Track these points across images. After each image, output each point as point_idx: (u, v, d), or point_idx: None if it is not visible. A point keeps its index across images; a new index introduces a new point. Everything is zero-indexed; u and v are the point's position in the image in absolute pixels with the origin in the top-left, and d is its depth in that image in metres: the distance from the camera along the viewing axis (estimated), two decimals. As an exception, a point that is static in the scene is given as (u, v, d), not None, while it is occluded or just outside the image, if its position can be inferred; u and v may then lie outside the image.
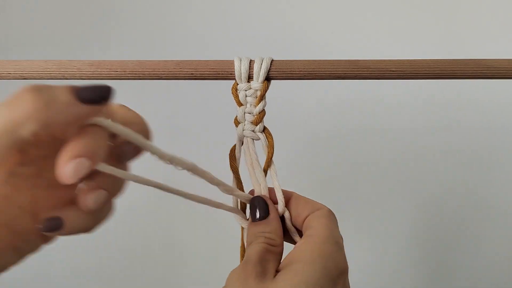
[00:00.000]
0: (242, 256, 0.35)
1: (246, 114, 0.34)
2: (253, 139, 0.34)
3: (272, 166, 0.35)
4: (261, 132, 0.34)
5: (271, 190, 0.34)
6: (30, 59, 0.35)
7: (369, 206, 0.74)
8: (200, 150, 0.69)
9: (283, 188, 0.33)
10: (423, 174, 0.72)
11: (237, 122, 0.34)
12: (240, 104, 0.34)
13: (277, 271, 0.28)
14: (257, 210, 0.32)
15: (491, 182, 0.71)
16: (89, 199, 0.24)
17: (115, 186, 0.27)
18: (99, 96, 0.25)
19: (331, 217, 0.31)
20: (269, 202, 0.33)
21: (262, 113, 0.34)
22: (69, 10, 0.79)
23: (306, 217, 0.32)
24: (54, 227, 0.24)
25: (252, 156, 0.34)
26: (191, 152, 0.67)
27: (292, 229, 0.33)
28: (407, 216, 0.73)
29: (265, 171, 0.35)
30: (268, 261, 0.29)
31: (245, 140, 0.34)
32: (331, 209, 0.32)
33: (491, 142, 0.70)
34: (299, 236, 0.33)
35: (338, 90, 0.72)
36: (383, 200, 0.73)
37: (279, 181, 0.34)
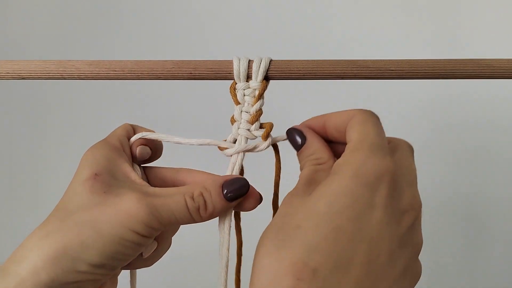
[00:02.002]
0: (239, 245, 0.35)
1: (242, 113, 0.34)
2: (247, 138, 0.34)
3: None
4: (257, 130, 0.34)
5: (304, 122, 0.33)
6: (29, 59, 0.35)
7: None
8: (199, 150, 0.69)
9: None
10: (422, 174, 0.72)
11: (233, 121, 0.34)
12: (237, 103, 0.34)
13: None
14: (295, 139, 0.32)
15: (491, 182, 0.71)
16: (144, 251, 0.32)
17: (168, 242, 0.34)
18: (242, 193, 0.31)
19: (364, 119, 0.29)
20: (302, 127, 0.32)
21: (259, 112, 0.34)
22: (68, 10, 0.79)
23: (346, 129, 0.30)
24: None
25: (235, 168, 0.33)
26: (190, 151, 0.67)
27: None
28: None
29: (276, 184, 0.35)
30: (316, 180, 0.28)
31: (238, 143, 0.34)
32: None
33: (490, 142, 0.70)
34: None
35: (337, 90, 0.72)
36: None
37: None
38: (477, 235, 0.72)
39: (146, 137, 0.34)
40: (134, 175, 0.31)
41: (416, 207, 0.27)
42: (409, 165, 0.28)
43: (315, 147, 0.31)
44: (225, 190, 0.30)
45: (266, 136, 0.33)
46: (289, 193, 0.28)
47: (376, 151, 0.26)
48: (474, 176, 0.71)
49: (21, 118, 0.82)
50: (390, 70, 0.33)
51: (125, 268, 0.33)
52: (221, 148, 0.34)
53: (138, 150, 0.33)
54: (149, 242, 0.29)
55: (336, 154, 0.31)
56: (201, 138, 0.34)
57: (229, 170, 0.33)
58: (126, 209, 0.28)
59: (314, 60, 0.33)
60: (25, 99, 0.81)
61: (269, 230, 0.26)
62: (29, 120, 0.81)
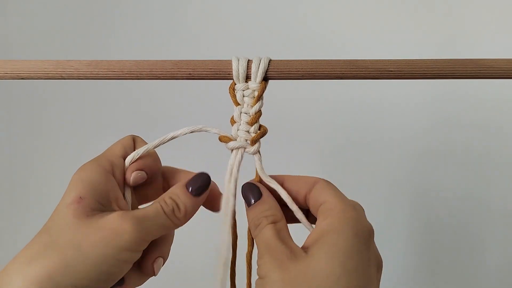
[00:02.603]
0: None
1: (242, 114, 0.34)
2: (246, 139, 0.34)
3: (257, 157, 0.34)
4: (255, 133, 0.34)
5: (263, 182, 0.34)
6: (28, 59, 0.35)
7: (366, 207, 0.74)
8: (198, 151, 0.69)
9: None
10: (421, 174, 0.72)
11: (233, 122, 0.34)
12: (237, 104, 0.34)
13: (303, 248, 0.29)
14: (249, 195, 0.32)
15: (490, 182, 0.71)
16: (155, 267, 0.33)
17: (167, 253, 0.34)
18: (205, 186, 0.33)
19: (333, 186, 0.32)
20: (258, 184, 0.33)
21: (258, 113, 0.34)
22: (67, 10, 0.79)
23: (306, 194, 0.32)
24: (117, 285, 0.30)
25: (233, 173, 0.33)
26: (189, 151, 0.67)
27: (294, 207, 0.32)
28: (405, 217, 0.73)
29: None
30: (286, 239, 0.29)
31: (235, 152, 0.34)
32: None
33: (490, 142, 0.70)
34: (303, 212, 0.33)
35: (337, 90, 0.72)
36: (380, 201, 0.73)
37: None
38: (477, 236, 0.72)
39: (139, 155, 0.33)
40: (123, 202, 0.31)
41: (382, 263, 0.30)
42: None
43: (271, 203, 0.32)
44: (190, 188, 0.32)
45: (255, 140, 0.34)
46: (268, 257, 0.28)
47: (360, 212, 0.30)
48: (473, 176, 0.71)
49: (20, 118, 0.82)
50: (389, 70, 0.33)
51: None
52: (223, 139, 0.34)
53: (132, 177, 0.33)
54: (137, 257, 0.30)
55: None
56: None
57: (228, 169, 0.33)
58: (110, 227, 0.28)
59: (313, 60, 0.33)
60: (24, 99, 0.81)
61: None
62: (28, 120, 0.81)
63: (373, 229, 0.29)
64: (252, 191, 0.32)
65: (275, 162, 0.72)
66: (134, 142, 0.35)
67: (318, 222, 0.30)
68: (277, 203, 0.32)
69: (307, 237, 0.29)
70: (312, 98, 0.73)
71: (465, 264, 0.73)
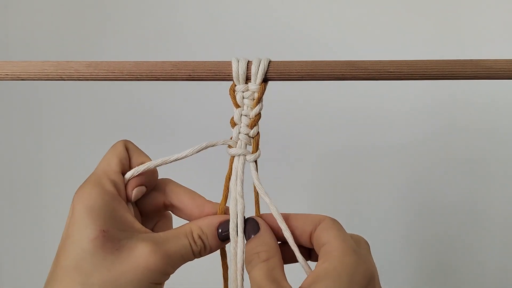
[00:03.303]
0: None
1: (242, 117, 0.34)
2: (246, 143, 0.34)
3: (260, 186, 0.34)
4: (253, 138, 0.34)
5: (266, 216, 0.34)
6: (27, 59, 0.35)
7: (366, 209, 0.74)
8: (199, 154, 0.69)
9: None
10: (421, 175, 0.72)
11: (233, 123, 0.34)
12: (237, 105, 0.34)
13: None
14: (249, 230, 0.33)
15: (490, 183, 0.71)
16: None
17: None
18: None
19: (338, 226, 0.31)
20: (259, 219, 0.33)
21: (258, 116, 0.34)
22: (67, 11, 0.79)
23: (311, 232, 0.32)
24: None
25: (238, 175, 0.33)
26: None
27: (295, 248, 0.32)
28: (405, 219, 0.73)
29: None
30: (278, 280, 0.29)
31: (236, 158, 0.34)
32: (328, 212, 0.32)
33: (489, 143, 0.70)
34: (305, 254, 0.33)
35: (336, 91, 0.72)
36: (379, 203, 0.73)
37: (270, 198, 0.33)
38: (477, 237, 0.72)
39: (141, 171, 0.33)
40: (137, 224, 0.31)
41: None
42: (374, 263, 0.31)
43: (266, 239, 0.32)
44: (220, 230, 0.32)
45: (256, 147, 0.34)
46: None
47: (361, 257, 0.29)
48: (473, 177, 0.71)
49: (20, 119, 0.82)
50: (388, 71, 0.33)
51: None
52: (229, 147, 0.34)
53: (134, 194, 0.33)
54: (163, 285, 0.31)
55: (285, 255, 0.32)
56: (198, 144, 0.34)
57: (233, 173, 0.34)
58: (144, 265, 0.28)
59: (313, 61, 0.33)
60: (24, 100, 0.81)
61: None
62: (27, 121, 0.81)
63: (374, 273, 0.29)
64: (251, 226, 0.33)
65: (274, 164, 0.72)
66: (128, 150, 0.34)
67: (317, 265, 0.29)
68: (274, 240, 0.32)
69: (304, 280, 0.29)
70: (312, 100, 0.73)
71: (466, 266, 0.73)
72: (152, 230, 0.36)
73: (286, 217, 0.33)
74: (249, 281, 0.30)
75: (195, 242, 0.31)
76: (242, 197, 0.33)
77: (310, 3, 0.73)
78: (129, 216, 0.31)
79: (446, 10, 0.70)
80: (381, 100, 0.72)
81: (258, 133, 0.34)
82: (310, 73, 0.33)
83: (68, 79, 0.34)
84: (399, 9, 0.71)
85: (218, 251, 0.35)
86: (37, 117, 0.81)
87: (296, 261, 0.33)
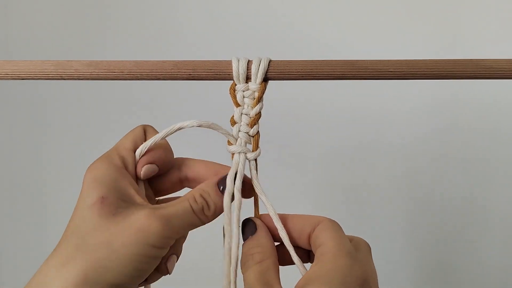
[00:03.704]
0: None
1: (243, 116, 0.34)
2: (246, 142, 0.34)
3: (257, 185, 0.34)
4: (253, 137, 0.34)
5: (265, 216, 0.34)
6: (28, 59, 0.35)
7: (366, 208, 0.74)
8: (197, 151, 0.69)
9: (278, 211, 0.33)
10: (421, 175, 0.72)
11: (233, 122, 0.34)
12: (237, 105, 0.34)
13: None
14: (245, 230, 0.33)
15: (490, 182, 0.71)
16: (169, 266, 0.33)
17: (180, 249, 0.35)
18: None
19: (335, 227, 0.31)
20: (257, 221, 0.33)
21: (258, 115, 0.34)
22: (67, 11, 0.79)
23: (310, 233, 0.32)
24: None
25: (239, 169, 0.33)
26: (187, 151, 0.67)
27: (290, 248, 0.32)
28: (405, 218, 0.73)
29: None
30: (270, 283, 0.29)
31: (236, 156, 0.34)
32: (328, 211, 0.32)
33: (489, 142, 0.70)
34: (305, 256, 0.33)
35: (337, 90, 0.72)
36: (380, 202, 0.73)
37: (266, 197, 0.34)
38: (477, 236, 0.72)
39: (147, 148, 0.33)
40: (138, 198, 0.31)
41: None
42: (373, 266, 0.30)
43: (262, 241, 0.32)
44: (221, 187, 0.32)
45: (256, 146, 0.34)
46: None
47: (355, 259, 0.28)
48: (472, 176, 0.71)
49: (20, 119, 0.82)
50: (389, 71, 0.33)
51: (142, 283, 0.34)
52: (229, 143, 0.34)
53: (143, 171, 0.33)
54: (164, 253, 0.30)
55: (285, 256, 0.32)
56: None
57: (233, 169, 0.33)
58: (138, 226, 0.28)
59: (313, 61, 0.33)
60: (25, 99, 0.81)
61: None
62: (28, 120, 0.81)
63: (368, 277, 0.28)
64: (249, 227, 0.33)
65: (274, 163, 0.72)
66: (145, 132, 0.34)
67: (311, 267, 0.29)
68: (270, 241, 0.32)
69: (297, 282, 0.29)
70: (312, 99, 0.73)
71: (466, 266, 0.73)
72: None
73: (285, 218, 0.33)
74: (243, 282, 0.30)
75: (195, 201, 0.31)
76: (240, 191, 0.33)
77: (310, 3, 0.73)
78: (131, 189, 0.31)
79: (446, 10, 0.70)
80: (382, 99, 0.72)
81: (258, 132, 0.34)
82: (310, 73, 0.33)
83: (68, 79, 0.34)
84: (400, 8, 0.71)
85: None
86: (38, 117, 0.81)
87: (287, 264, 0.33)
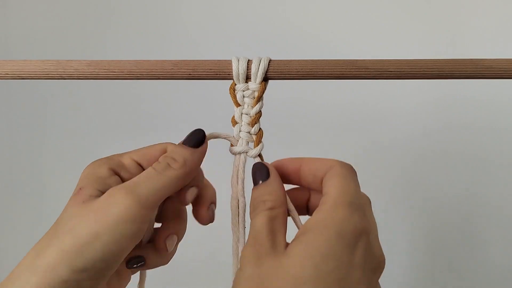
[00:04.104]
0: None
1: (243, 115, 0.34)
2: (248, 141, 0.34)
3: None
4: (255, 135, 0.34)
5: (277, 162, 0.33)
6: (28, 59, 0.35)
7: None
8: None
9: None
10: (421, 174, 0.72)
11: (234, 122, 0.34)
12: (237, 104, 0.34)
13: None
14: (257, 175, 0.31)
15: (490, 182, 0.71)
16: (168, 244, 0.33)
17: (182, 231, 0.34)
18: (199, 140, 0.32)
19: (344, 173, 0.29)
20: (268, 165, 0.32)
21: (259, 114, 0.34)
22: (67, 10, 0.79)
23: (322, 178, 0.31)
24: (138, 264, 0.32)
25: (239, 174, 0.34)
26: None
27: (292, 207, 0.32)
28: (406, 218, 0.73)
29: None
30: (276, 231, 0.28)
31: (237, 156, 0.34)
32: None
33: (489, 142, 0.70)
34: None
35: (336, 90, 0.72)
36: (381, 202, 0.73)
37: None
38: (476, 235, 0.72)
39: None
40: (113, 177, 0.31)
41: (382, 265, 0.28)
42: (374, 220, 0.29)
43: (273, 188, 0.30)
44: (184, 142, 0.32)
45: (258, 142, 0.34)
46: (249, 247, 0.27)
47: (355, 210, 0.27)
48: (472, 176, 0.71)
49: (20, 118, 0.82)
50: (389, 70, 0.33)
51: (144, 268, 0.34)
52: (232, 145, 0.35)
53: (188, 195, 0.33)
54: (141, 228, 0.28)
55: (301, 200, 0.32)
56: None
57: (234, 171, 0.34)
58: (101, 205, 0.28)
59: (313, 60, 0.33)
60: (25, 99, 0.81)
61: None
62: (28, 120, 0.81)
63: (367, 229, 0.27)
64: (260, 172, 0.31)
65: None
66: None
67: (312, 215, 0.28)
68: (282, 189, 0.31)
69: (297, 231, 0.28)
70: (311, 99, 0.73)
71: (467, 264, 0.73)
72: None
73: (300, 161, 0.32)
74: (250, 226, 0.29)
75: (158, 162, 0.30)
76: (243, 196, 0.33)
77: (310, 2, 0.73)
78: (110, 179, 0.31)
79: (446, 10, 0.70)
80: (381, 98, 0.72)
81: (260, 129, 0.34)
82: (310, 72, 0.33)
83: (68, 78, 0.34)
84: (399, 8, 0.71)
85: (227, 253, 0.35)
86: (38, 116, 0.81)
87: (305, 213, 0.32)
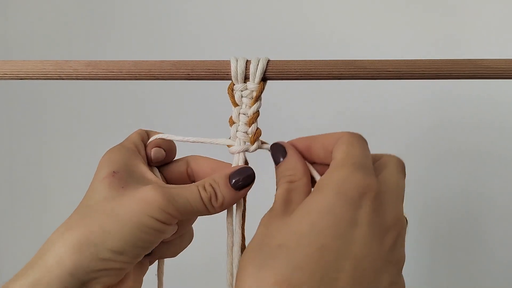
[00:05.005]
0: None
1: (240, 115, 0.34)
2: (245, 141, 0.34)
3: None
4: (253, 134, 0.34)
5: (292, 141, 0.34)
6: (27, 59, 0.35)
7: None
8: (197, 150, 0.69)
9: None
10: (420, 174, 0.72)
11: (231, 122, 0.34)
12: (235, 104, 0.34)
13: None
14: (276, 155, 0.33)
15: (489, 182, 0.71)
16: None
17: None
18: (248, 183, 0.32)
19: (351, 140, 0.30)
20: (286, 144, 0.33)
21: (256, 114, 0.34)
22: (66, 11, 0.79)
23: (332, 150, 0.31)
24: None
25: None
26: (188, 151, 0.67)
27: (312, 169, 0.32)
28: (408, 217, 0.73)
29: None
30: (292, 200, 0.29)
31: (236, 156, 0.34)
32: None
33: (488, 142, 0.70)
34: None
35: (335, 91, 0.72)
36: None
37: None
38: (475, 235, 0.72)
39: (160, 137, 0.35)
40: (150, 174, 0.33)
41: (399, 225, 0.27)
42: (397, 182, 0.28)
43: (293, 163, 0.31)
44: (232, 180, 0.32)
45: (254, 140, 0.34)
46: (266, 214, 0.29)
47: (359, 168, 0.27)
48: (471, 176, 0.71)
49: (19, 118, 0.82)
50: (387, 71, 0.33)
51: (151, 259, 0.35)
52: (229, 146, 0.35)
53: (152, 152, 0.35)
54: (169, 229, 0.31)
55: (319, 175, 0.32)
56: (205, 137, 0.35)
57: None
58: (143, 197, 0.29)
59: (312, 61, 0.33)
60: (24, 99, 0.81)
61: (249, 251, 0.26)
62: (27, 120, 0.81)
63: (372, 187, 0.26)
64: (278, 151, 0.33)
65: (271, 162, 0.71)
66: (147, 132, 0.37)
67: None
68: (302, 162, 0.32)
69: None
70: (310, 99, 0.73)
71: (468, 263, 0.73)
72: None
73: (310, 139, 0.33)
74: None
75: (204, 189, 0.31)
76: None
77: (309, 2, 0.73)
78: (143, 167, 0.33)
79: (446, 10, 0.70)
80: (381, 97, 0.72)
81: (258, 128, 0.34)
82: (308, 73, 0.33)
83: (67, 79, 0.34)
84: (398, 8, 0.71)
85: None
86: (37, 116, 0.81)
87: None
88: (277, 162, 0.32)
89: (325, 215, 0.25)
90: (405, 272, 0.29)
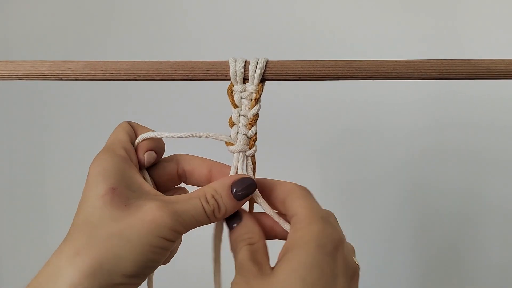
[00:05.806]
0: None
1: (241, 117, 0.34)
2: (245, 144, 0.34)
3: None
4: (252, 136, 0.34)
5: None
6: (25, 59, 0.35)
7: (367, 207, 0.74)
8: (197, 150, 0.69)
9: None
10: (419, 174, 0.72)
11: (231, 123, 0.34)
12: (235, 106, 0.34)
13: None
14: (231, 220, 0.33)
15: (488, 181, 0.71)
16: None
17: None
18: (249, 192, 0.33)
19: (304, 194, 0.32)
20: (239, 210, 0.34)
21: (256, 116, 0.34)
22: (65, 11, 0.79)
23: (283, 200, 0.33)
24: None
25: (238, 169, 0.34)
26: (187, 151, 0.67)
27: (281, 220, 0.33)
28: (402, 216, 0.73)
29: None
30: (259, 259, 0.30)
31: (236, 155, 0.34)
32: (329, 209, 0.33)
33: (487, 142, 0.70)
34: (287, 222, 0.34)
35: (334, 91, 0.72)
36: (380, 201, 0.74)
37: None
38: (476, 234, 0.73)
39: (150, 137, 0.34)
40: (147, 185, 0.32)
41: (357, 271, 0.30)
42: (341, 231, 0.31)
43: (249, 227, 0.33)
44: (234, 190, 0.32)
45: (253, 144, 0.35)
46: (238, 279, 0.29)
47: (327, 223, 0.30)
48: (470, 175, 0.72)
49: (18, 118, 0.81)
50: (385, 71, 0.33)
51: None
52: (227, 144, 0.35)
53: (146, 158, 0.34)
54: (175, 245, 0.31)
55: (267, 225, 0.34)
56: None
57: (233, 169, 0.34)
58: (152, 219, 0.28)
59: (311, 61, 0.33)
60: (22, 99, 0.81)
61: None
62: (25, 120, 0.81)
63: (342, 239, 0.29)
64: (232, 216, 0.33)
65: (272, 162, 0.72)
66: (132, 127, 0.35)
67: (288, 236, 0.30)
68: (257, 225, 0.33)
69: (279, 253, 0.30)
70: (309, 98, 0.73)
71: (465, 263, 0.73)
72: None
73: (272, 185, 0.34)
74: (234, 264, 0.31)
75: (207, 201, 0.31)
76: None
77: (308, 3, 0.73)
78: (139, 178, 0.32)
79: (445, 10, 0.70)
80: (380, 97, 0.72)
81: (255, 133, 0.34)
82: (307, 73, 0.33)
83: (65, 79, 0.34)
84: (397, 8, 0.71)
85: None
86: (35, 117, 0.81)
87: (273, 237, 0.34)
88: (231, 227, 0.33)
89: (312, 269, 0.27)
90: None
